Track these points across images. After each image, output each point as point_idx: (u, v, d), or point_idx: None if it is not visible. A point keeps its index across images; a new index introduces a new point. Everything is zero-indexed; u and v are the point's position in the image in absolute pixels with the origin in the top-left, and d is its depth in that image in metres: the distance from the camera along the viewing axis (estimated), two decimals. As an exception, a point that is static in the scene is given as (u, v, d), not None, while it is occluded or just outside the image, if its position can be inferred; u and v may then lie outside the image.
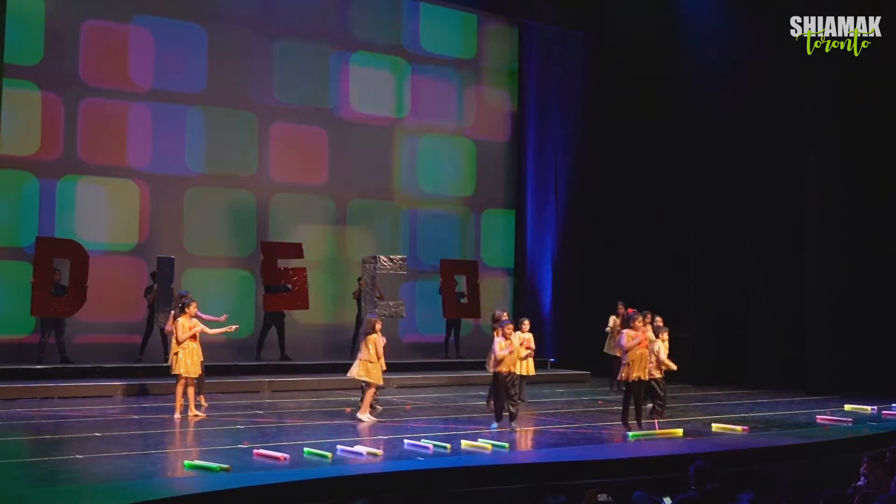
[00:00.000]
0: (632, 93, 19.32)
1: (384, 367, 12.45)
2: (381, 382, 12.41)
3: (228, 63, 17.74)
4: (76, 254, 15.39)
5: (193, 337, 12.21)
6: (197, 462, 9.05)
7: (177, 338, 12.20)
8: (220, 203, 17.65)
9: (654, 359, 12.37)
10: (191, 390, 12.29)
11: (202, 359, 12.39)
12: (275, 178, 18.19)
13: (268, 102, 18.13)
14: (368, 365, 12.24)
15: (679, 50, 18.75)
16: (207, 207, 17.48)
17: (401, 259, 13.78)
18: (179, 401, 12.13)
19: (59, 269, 15.30)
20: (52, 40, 16.26)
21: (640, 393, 12.08)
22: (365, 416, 12.22)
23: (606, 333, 16.59)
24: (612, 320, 16.47)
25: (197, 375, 12.35)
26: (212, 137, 17.57)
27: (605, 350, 16.62)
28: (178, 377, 12.14)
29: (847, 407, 14.36)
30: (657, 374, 12.51)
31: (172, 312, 13.01)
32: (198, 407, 12.48)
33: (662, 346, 12.60)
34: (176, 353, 12.19)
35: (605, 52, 20.26)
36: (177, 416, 12.00)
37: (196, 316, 12.37)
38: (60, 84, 16.33)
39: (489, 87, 20.74)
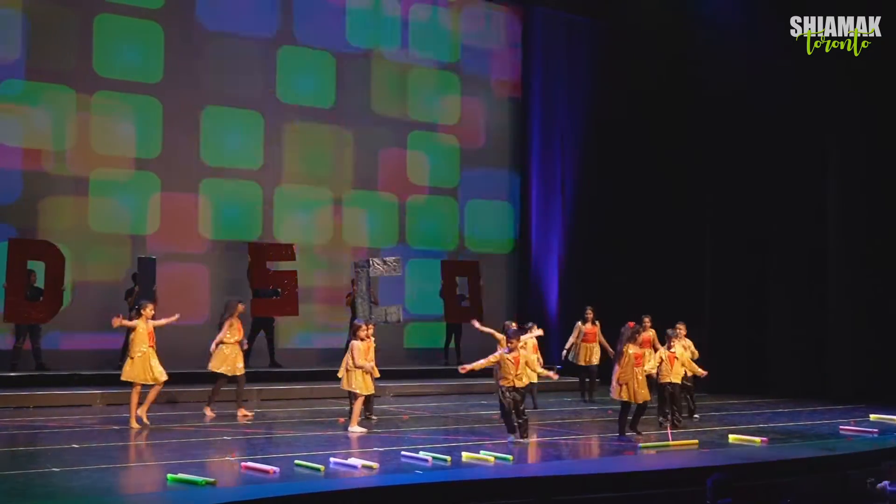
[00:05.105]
0: (642, 82, 19.34)
1: (376, 375, 12.45)
2: (357, 390, 12.26)
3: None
4: (51, 255, 15.35)
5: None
6: (181, 475, 9.03)
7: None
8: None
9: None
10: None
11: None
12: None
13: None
14: (346, 373, 12.29)
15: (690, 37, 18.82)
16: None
17: (394, 261, 13.78)
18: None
19: (34, 270, 15.29)
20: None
21: (641, 408, 12.19)
22: (354, 428, 12.18)
23: (574, 344, 15.90)
24: (578, 328, 15.91)
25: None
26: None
27: (574, 360, 15.96)
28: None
29: (872, 416, 14.35)
30: (675, 380, 12.81)
31: (229, 321, 13.13)
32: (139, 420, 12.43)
33: (665, 353, 12.80)
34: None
35: (613, 41, 20.28)
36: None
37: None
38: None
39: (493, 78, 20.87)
